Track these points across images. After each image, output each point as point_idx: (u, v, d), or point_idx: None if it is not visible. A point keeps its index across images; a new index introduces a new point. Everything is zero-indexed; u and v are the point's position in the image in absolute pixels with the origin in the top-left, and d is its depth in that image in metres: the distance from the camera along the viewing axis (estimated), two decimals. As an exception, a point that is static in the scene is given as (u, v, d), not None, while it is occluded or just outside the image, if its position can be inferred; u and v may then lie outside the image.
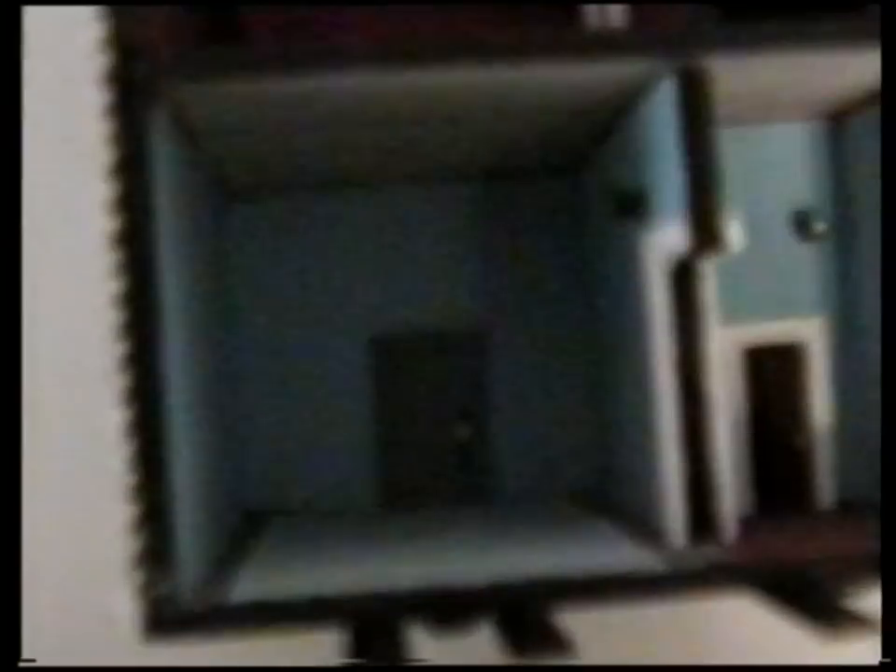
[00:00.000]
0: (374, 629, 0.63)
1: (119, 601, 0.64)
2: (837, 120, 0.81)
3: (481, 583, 0.64)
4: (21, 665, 0.59)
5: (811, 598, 0.64)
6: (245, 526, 0.85)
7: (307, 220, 0.90)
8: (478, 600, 0.63)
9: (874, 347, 0.79)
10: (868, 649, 0.66)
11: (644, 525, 0.75)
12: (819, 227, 0.80)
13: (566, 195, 0.91)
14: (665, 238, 0.67)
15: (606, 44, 0.65)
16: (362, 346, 0.90)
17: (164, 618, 0.63)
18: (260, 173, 0.85)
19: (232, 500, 0.86)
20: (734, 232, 0.65)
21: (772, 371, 0.80)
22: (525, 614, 0.63)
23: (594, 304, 0.88)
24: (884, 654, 0.57)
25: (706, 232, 0.65)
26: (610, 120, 0.77)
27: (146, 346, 0.63)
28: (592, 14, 0.79)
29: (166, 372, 0.63)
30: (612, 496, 0.86)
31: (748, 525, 0.75)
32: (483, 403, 0.90)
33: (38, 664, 0.62)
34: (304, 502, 0.89)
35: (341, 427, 0.90)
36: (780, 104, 0.77)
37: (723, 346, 0.79)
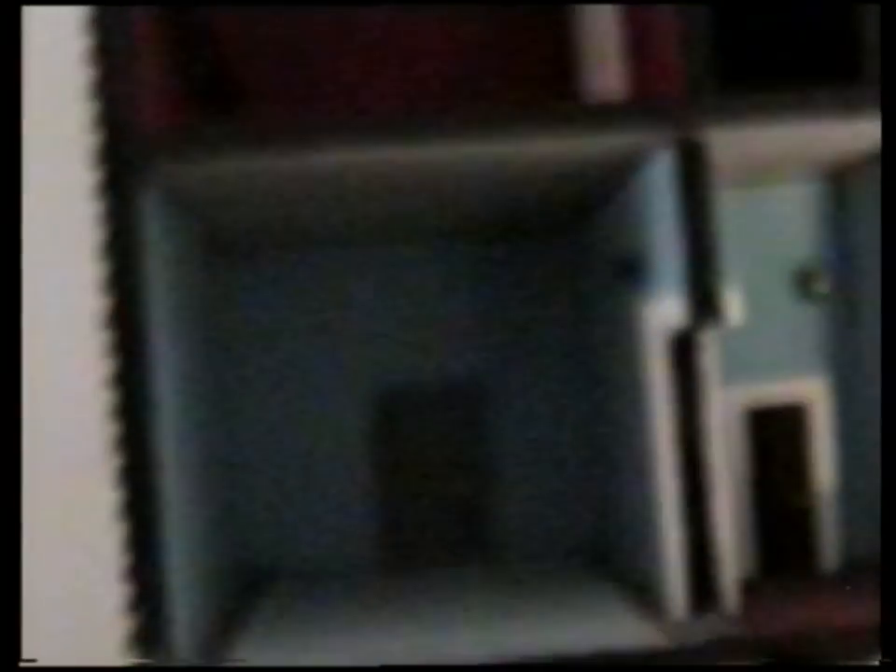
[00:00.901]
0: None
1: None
2: (837, 181, 0.80)
3: (478, 662, 0.63)
4: (21, 665, 0.58)
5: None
6: (246, 592, 0.85)
7: (306, 279, 0.90)
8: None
9: (875, 408, 0.78)
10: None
11: (645, 594, 0.74)
12: (821, 287, 0.80)
13: (566, 255, 0.90)
14: (664, 309, 0.66)
15: (604, 117, 0.65)
16: (362, 404, 0.90)
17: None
18: (259, 237, 0.85)
19: (233, 565, 0.85)
20: (733, 304, 0.64)
21: (775, 432, 0.79)
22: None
23: (594, 363, 0.88)
24: (884, 654, 0.56)
25: (705, 306, 0.64)
26: (611, 186, 0.76)
27: (138, 427, 0.62)
28: (590, 83, 0.79)
29: (160, 454, 0.63)
30: (614, 559, 0.85)
31: (751, 589, 0.74)
32: (484, 460, 0.90)
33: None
34: (306, 564, 0.89)
35: (342, 486, 0.89)
36: (780, 167, 0.76)
37: (726, 408, 0.78)
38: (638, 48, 0.78)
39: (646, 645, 0.64)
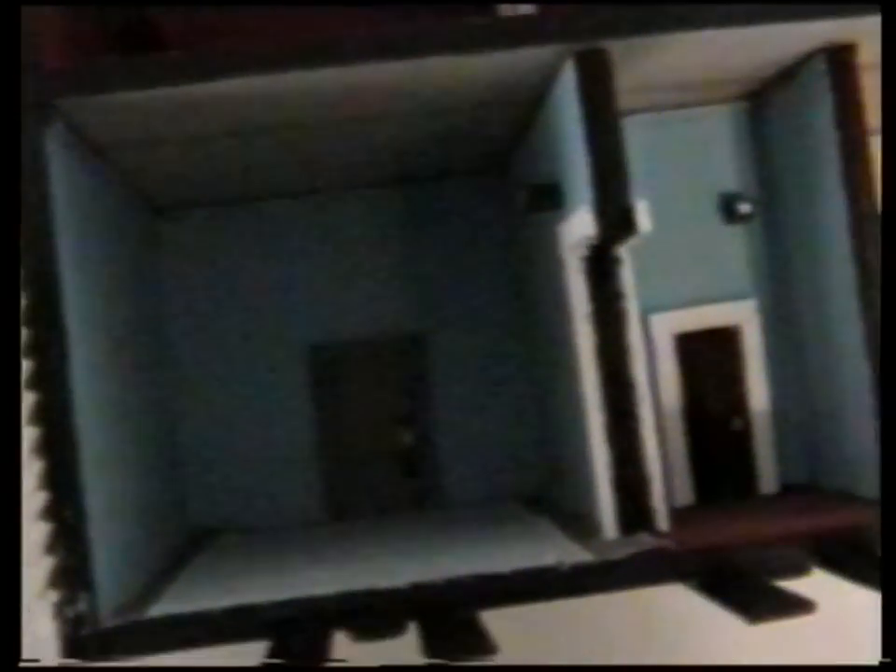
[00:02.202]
0: (296, 635, 0.62)
1: (40, 621, 0.63)
2: (756, 100, 0.80)
3: (401, 586, 0.63)
4: (21, 664, 0.58)
5: (741, 584, 0.63)
6: (189, 544, 0.84)
7: (238, 232, 0.89)
8: (399, 603, 0.62)
9: (808, 326, 0.78)
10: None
11: (582, 521, 0.74)
12: (745, 208, 0.79)
13: (494, 194, 0.90)
14: (577, 225, 0.66)
15: (504, 32, 0.65)
16: (300, 357, 0.89)
17: (81, 637, 0.62)
18: (183, 188, 0.84)
19: (176, 518, 0.85)
20: (642, 215, 0.63)
21: (707, 357, 0.79)
22: (448, 616, 0.62)
23: (528, 302, 0.87)
24: (884, 654, 0.56)
25: (614, 216, 0.64)
26: (527, 116, 0.76)
27: (51, 364, 0.62)
28: (503, 6, 0.79)
29: (73, 391, 0.62)
30: (555, 495, 0.85)
31: (687, 513, 0.74)
32: (424, 409, 0.89)
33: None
34: (250, 517, 0.88)
35: (283, 439, 0.89)
36: (694, 86, 0.76)
37: (656, 333, 0.78)
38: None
39: (571, 561, 0.64)
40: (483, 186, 0.90)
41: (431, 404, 0.89)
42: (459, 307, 0.90)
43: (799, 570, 0.65)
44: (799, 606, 0.59)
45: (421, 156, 0.83)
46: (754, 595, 0.62)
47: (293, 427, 0.89)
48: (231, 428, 0.89)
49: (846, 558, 0.65)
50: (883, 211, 0.66)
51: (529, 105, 0.74)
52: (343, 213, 0.90)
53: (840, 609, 0.65)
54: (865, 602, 0.65)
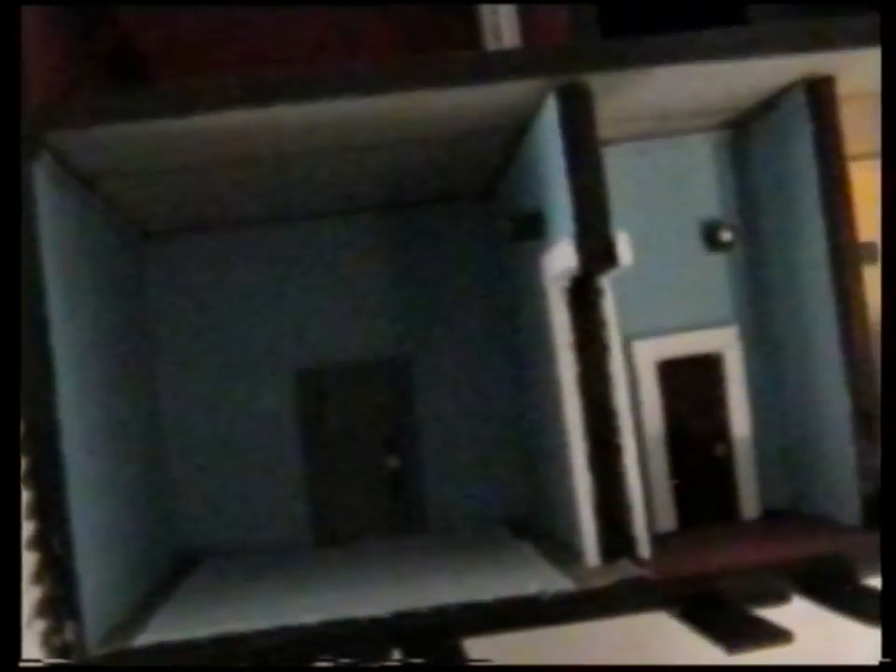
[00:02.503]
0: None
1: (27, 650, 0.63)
2: (737, 129, 0.81)
3: (384, 614, 0.63)
4: (21, 664, 0.58)
5: (721, 613, 0.64)
6: (175, 569, 0.85)
7: (225, 257, 0.90)
8: (382, 631, 0.63)
9: (789, 354, 0.79)
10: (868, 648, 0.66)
11: (564, 547, 0.74)
12: (727, 236, 0.80)
13: (481, 221, 0.90)
14: (558, 257, 0.67)
15: (488, 66, 0.65)
16: (286, 381, 0.90)
17: (67, 666, 0.62)
18: (171, 214, 0.85)
19: (162, 543, 0.85)
20: (623, 247, 0.64)
21: (689, 383, 0.80)
22: (432, 644, 0.63)
23: (512, 324, 0.88)
24: (884, 654, 0.56)
25: (594, 249, 0.65)
26: (512, 143, 0.76)
27: (38, 394, 0.63)
28: (488, 36, 0.80)
29: (60, 420, 0.63)
30: (540, 521, 0.85)
31: (668, 540, 0.75)
32: (409, 433, 0.90)
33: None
34: (236, 541, 0.89)
35: (269, 463, 0.89)
36: (676, 116, 0.77)
37: (638, 359, 0.79)
38: (534, 17, 0.79)
39: (553, 589, 0.65)
40: (469, 211, 0.90)
41: (417, 428, 0.90)
42: (445, 331, 0.90)
43: (779, 598, 0.66)
44: (777, 636, 0.60)
45: (407, 183, 0.84)
46: (734, 624, 0.63)
47: (279, 450, 0.89)
48: (218, 453, 0.89)
49: (826, 587, 0.65)
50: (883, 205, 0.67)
51: (514, 134, 0.74)
52: (329, 238, 0.90)
53: (820, 638, 0.66)
54: (844, 631, 0.66)
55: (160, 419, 0.89)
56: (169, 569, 0.84)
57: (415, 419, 0.90)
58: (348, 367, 0.90)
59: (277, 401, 0.90)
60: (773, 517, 0.80)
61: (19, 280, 0.62)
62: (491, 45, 0.82)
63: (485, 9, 0.82)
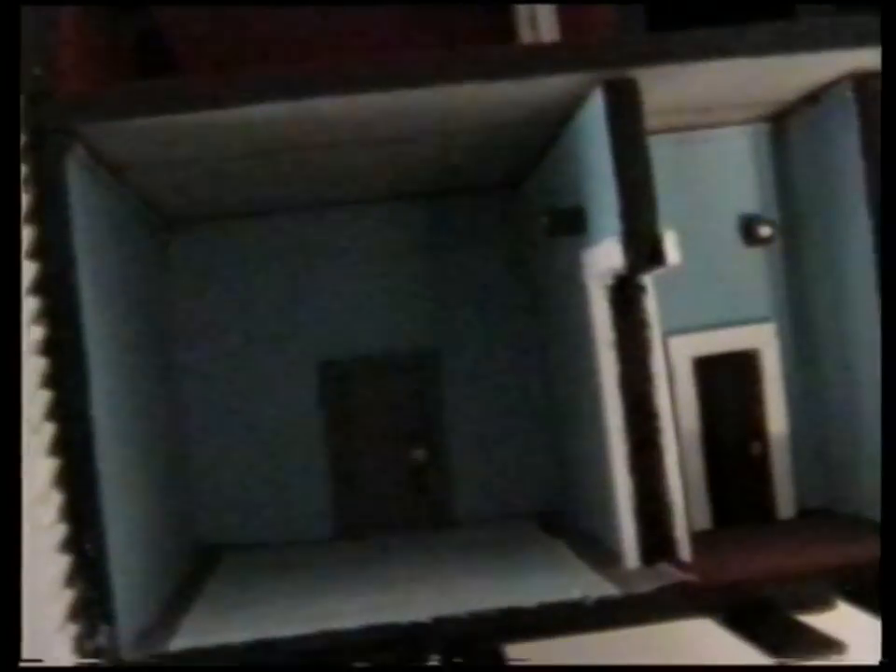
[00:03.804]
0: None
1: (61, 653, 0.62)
2: (777, 122, 0.79)
3: (424, 619, 0.62)
4: (21, 664, 0.57)
5: (768, 620, 0.63)
6: (199, 563, 0.84)
7: (249, 246, 0.88)
8: (422, 637, 0.62)
9: (828, 352, 0.77)
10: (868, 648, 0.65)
11: (600, 547, 0.73)
12: (766, 231, 0.79)
13: (511, 210, 0.89)
14: (603, 255, 0.65)
15: (534, 60, 0.64)
16: (311, 372, 0.88)
17: (102, 669, 0.61)
18: (196, 202, 0.83)
19: (186, 537, 0.84)
20: (670, 247, 0.63)
21: (726, 380, 0.78)
22: (472, 650, 0.62)
23: (544, 320, 0.86)
24: (884, 654, 0.55)
25: (642, 248, 0.63)
26: (548, 135, 0.75)
27: (70, 395, 0.61)
28: (524, 29, 0.78)
29: (93, 421, 0.61)
30: (569, 516, 0.84)
31: (705, 540, 0.73)
32: (436, 426, 0.89)
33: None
34: (260, 534, 0.88)
35: (293, 456, 0.88)
36: (718, 108, 0.75)
37: (675, 356, 0.77)
38: (569, 14, 0.78)
39: (596, 595, 0.63)
40: (498, 202, 0.89)
41: (443, 421, 0.89)
42: (473, 323, 0.89)
43: (824, 605, 0.65)
44: (829, 647, 0.59)
45: (438, 173, 0.82)
46: (782, 631, 0.62)
47: (303, 443, 0.88)
48: (241, 444, 0.88)
49: (870, 592, 0.64)
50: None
51: (551, 126, 0.73)
52: (356, 227, 0.89)
53: (865, 644, 0.65)
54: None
55: (183, 412, 0.87)
56: (193, 564, 0.83)
57: (442, 412, 0.89)
58: (374, 358, 0.89)
59: (301, 393, 0.88)
60: (809, 517, 0.78)
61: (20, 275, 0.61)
62: (527, 38, 0.80)
63: (522, 12, 0.80)
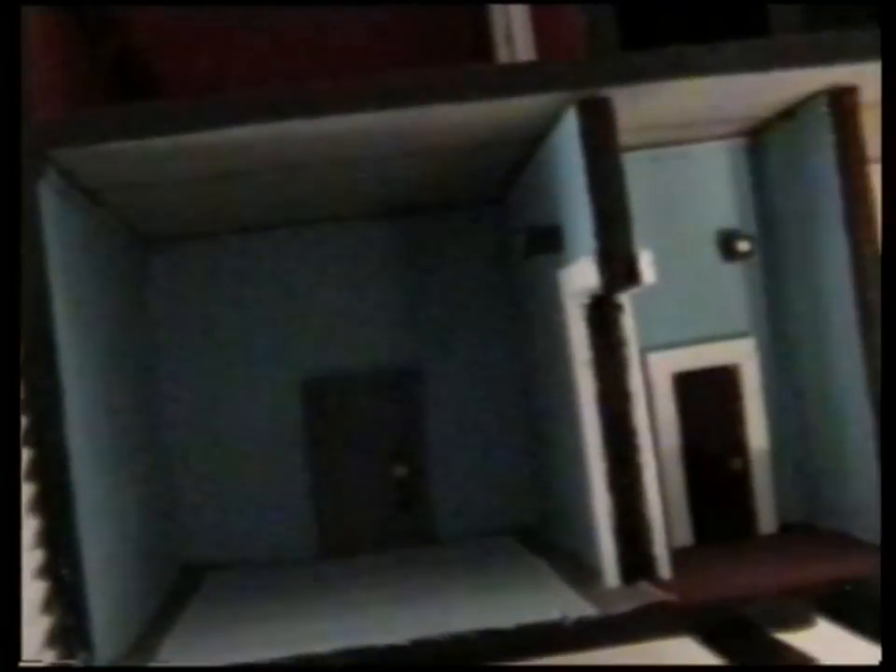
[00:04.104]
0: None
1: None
2: (754, 137, 0.79)
3: (402, 642, 0.62)
4: (21, 665, 0.57)
5: (747, 638, 0.63)
6: (182, 584, 0.83)
7: (230, 264, 0.88)
8: (400, 660, 0.61)
9: (807, 366, 0.77)
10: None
11: (581, 566, 0.73)
12: (744, 246, 0.79)
13: (489, 227, 0.89)
14: (579, 274, 0.65)
15: (509, 80, 0.64)
16: (293, 390, 0.88)
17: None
18: (174, 223, 0.83)
19: (168, 558, 0.84)
20: (646, 266, 0.63)
21: (705, 396, 0.78)
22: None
23: (525, 338, 0.86)
24: (884, 654, 0.55)
25: (617, 268, 0.63)
26: (525, 153, 0.75)
27: (44, 419, 0.61)
28: (501, 52, 0.78)
29: (69, 446, 0.61)
30: (550, 534, 0.84)
31: (686, 556, 0.73)
32: (418, 443, 0.88)
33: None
34: (243, 552, 0.87)
35: (275, 474, 0.88)
36: (694, 125, 0.75)
37: (654, 373, 0.77)
38: (545, 19, 0.78)
39: (575, 615, 0.63)
40: (479, 218, 0.89)
41: (426, 438, 0.89)
42: (455, 341, 0.89)
43: (803, 622, 0.65)
44: (801, 660, 0.59)
45: (416, 191, 0.82)
46: (758, 649, 0.62)
47: (285, 461, 0.88)
48: (222, 464, 0.88)
49: (848, 609, 0.64)
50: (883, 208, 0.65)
51: (528, 144, 0.73)
52: (337, 245, 0.89)
53: (842, 661, 0.65)
54: (867, 654, 0.65)
55: (162, 430, 0.87)
56: (175, 584, 0.83)
57: (424, 429, 0.89)
58: (355, 376, 0.88)
59: (283, 411, 0.88)
60: (790, 532, 0.78)
61: (19, 295, 0.61)
62: (502, 49, 0.80)
63: (497, 14, 0.80)
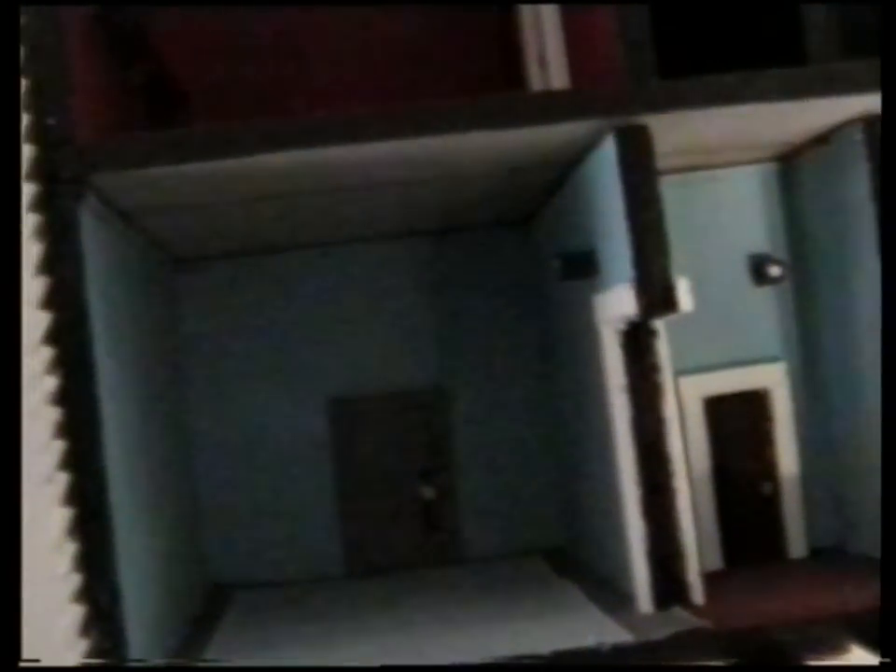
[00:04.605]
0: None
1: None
2: (787, 162, 0.80)
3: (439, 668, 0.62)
4: (21, 665, 0.57)
5: (780, 665, 0.63)
6: (212, 604, 0.83)
7: (260, 284, 0.88)
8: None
9: (838, 391, 0.77)
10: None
11: (612, 590, 0.73)
12: (775, 270, 0.79)
13: (520, 249, 0.89)
14: (615, 300, 0.65)
15: (546, 106, 0.64)
16: (321, 410, 0.88)
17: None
18: (205, 242, 0.84)
19: (198, 578, 0.84)
20: (683, 293, 0.63)
21: (736, 420, 0.78)
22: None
23: (553, 360, 0.86)
24: (884, 654, 0.55)
25: (655, 295, 0.63)
26: (558, 177, 0.75)
27: (84, 445, 0.61)
28: (534, 76, 0.78)
29: (107, 471, 0.61)
30: (580, 556, 0.84)
31: (717, 581, 0.73)
32: (446, 463, 0.89)
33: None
34: (271, 573, 0.87)
35: (302, 494, 0.88)
36: (727, 150, 0.76)
37: (686, 397, 0.77)
38: (579, 41, 0.78)
39: (611, 642, 0.63)
40: (506, 238, 0.89)
41: (453, 459, 0.89)
42: (482, 361, 0.89)
43: (836, 648, 0.65)
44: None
45: (447, 212, 0.83)
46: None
47: (313, 480, 0.88)
48: (251, 483, 0.88)
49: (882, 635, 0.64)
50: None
51: (561, 168, 0.73)
52: (365, 264, 0.89)
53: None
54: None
55: (192, 449, 0.87)
56: (206, 605, 0.83)
57: (452, 450, 0.89)
58: (383, 396, 0.89)
59: (310, 430, 0.89)
60: (820, 556, 0.78)
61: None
62: (535, 74, 0.80)
63: (530, 37, 0.80)
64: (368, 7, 0.87)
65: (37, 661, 0.60)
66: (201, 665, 0.65)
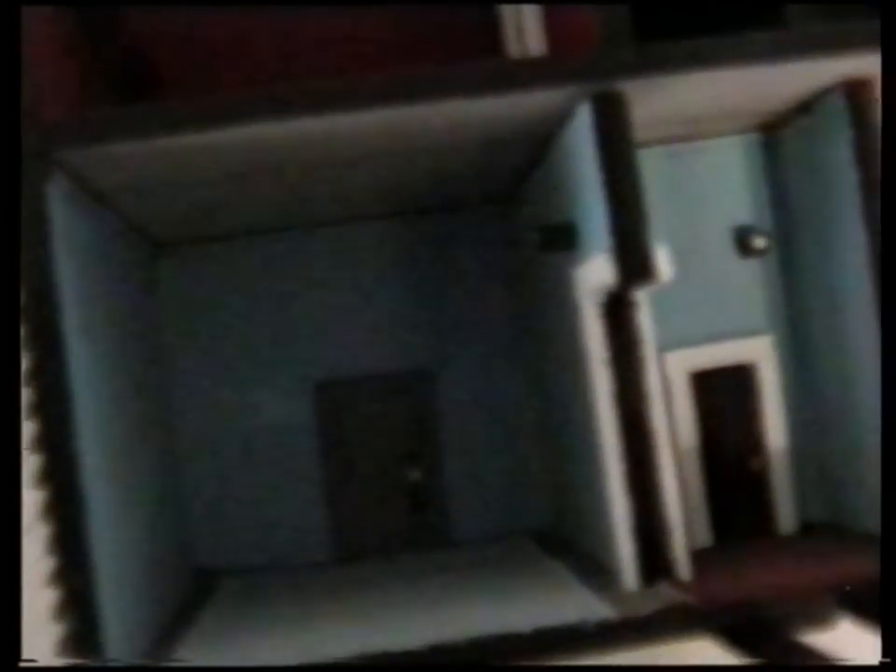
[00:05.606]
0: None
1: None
2: (770, 132, 0.78)
3: (420, 647, 0.61)
4: (21, 664, 0.56)
5: (768, 638, 0.62)
6: (196, 589, 0.82)
7: (240, 267, 0.87)
8: (418, 663, 0.61)
9: (826, 363, 0.76)
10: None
11: (597, 566, 0.72)
12: (760, 242, 0.78)
13: (500, 225, 0.88)
14: (594, 271, 0.64)
15: (521, 74, 0.63)
16: (305, 394, 0.87)
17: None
18: (185, 224, 0.82)
19: (181, 563, 0.83)
20: (662, 262, 0.62)
21: (722, 395, 0.77)
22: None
23: (539, 337, 0.85)
24: (884, 654, 0.54)
25: (634, 264, 0.62)
26: (538, 150, 0.74)
27: (55, 425, 0.60)
28: (511, 40, 0.77)
29: (79, 450, 0.60)
30: (566, 534, 0.83)
31: (705, 557, 0.72)
32: (432, 445, 0.88)
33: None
34: (257, 557, 0.87)
35: (288, 478, 0.87)
36: (709, 119, 0.74)
37: (672, 372, 0.76)
38: (557, 10, 0.77)
39: (596, 618, 0.62)
40: (490, 217, 0.88)
41: (438, 440, 0.88)
42: (467, 342, 0.88)
43: (824, 622, 0.64)
44: (822, 660, 0.58)
45: (428, 189, 0.82)
46: (779, 650, 0.61)
47: (298, 465, 0.87)
48: (235, 468, 0.87)
49: (872, 608, 0.63)
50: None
51: (540, 140, 0.72)
52: (347, 245, 0.88)
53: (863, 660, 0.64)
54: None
55: (175, 435, 0.86)
56: (189, 590, 0.82)
57: (438, 432, 0.88)
58: (369, 379, 0.88)
59: (296, 414, 0.88)
60: (810, 532, 0.77)
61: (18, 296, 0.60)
62: (513, 44, 0.79)
63: (508, 8, 0.79)
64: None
65: (36, 661, 0.59)
66: (200, 664, 0.64)
